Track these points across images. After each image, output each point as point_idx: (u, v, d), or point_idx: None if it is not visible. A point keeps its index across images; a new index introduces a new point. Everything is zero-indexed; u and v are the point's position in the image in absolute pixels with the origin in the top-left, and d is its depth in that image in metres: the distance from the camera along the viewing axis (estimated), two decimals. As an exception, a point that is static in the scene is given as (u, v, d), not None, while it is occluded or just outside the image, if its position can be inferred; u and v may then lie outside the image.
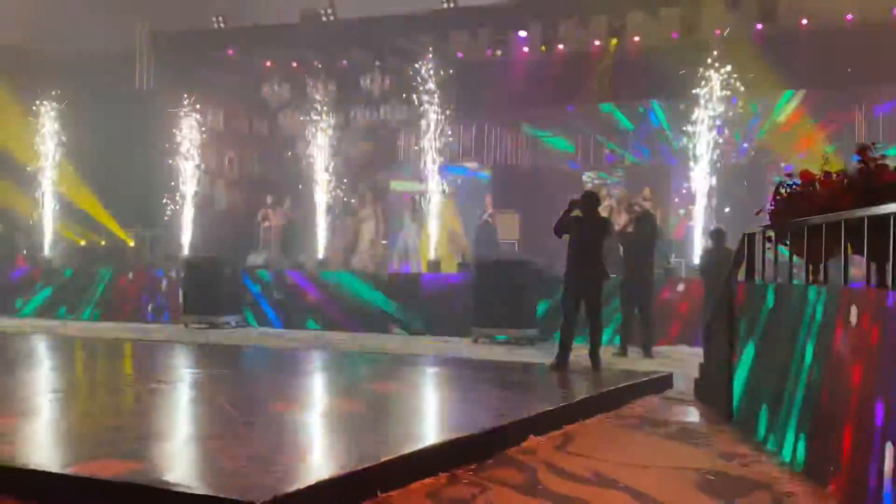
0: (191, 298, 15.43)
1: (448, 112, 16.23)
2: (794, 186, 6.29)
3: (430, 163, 16.18)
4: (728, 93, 15.17)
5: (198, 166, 18.67)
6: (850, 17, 15.87)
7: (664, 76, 16.06)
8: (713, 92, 15.10)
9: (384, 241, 18.74)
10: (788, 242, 6.41)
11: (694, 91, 15.20)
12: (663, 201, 16.93)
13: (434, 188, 16.20)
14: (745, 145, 18.33)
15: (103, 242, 19.74)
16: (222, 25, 19.62)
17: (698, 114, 15.18)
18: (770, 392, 6.14)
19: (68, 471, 4.72)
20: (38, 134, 18.80)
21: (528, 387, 8.68)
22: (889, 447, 4.21)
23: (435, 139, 16.17)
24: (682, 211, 15.30)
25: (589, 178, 20.70)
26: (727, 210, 15.38)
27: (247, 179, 21.97)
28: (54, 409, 7.09)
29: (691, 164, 15.32)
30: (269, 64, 20.47)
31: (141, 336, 13.68)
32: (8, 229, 19.47)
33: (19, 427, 6.07)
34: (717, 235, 12.51)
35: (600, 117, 20.67)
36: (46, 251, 18.86)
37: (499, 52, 18.72)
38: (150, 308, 16.80)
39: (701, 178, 15.19)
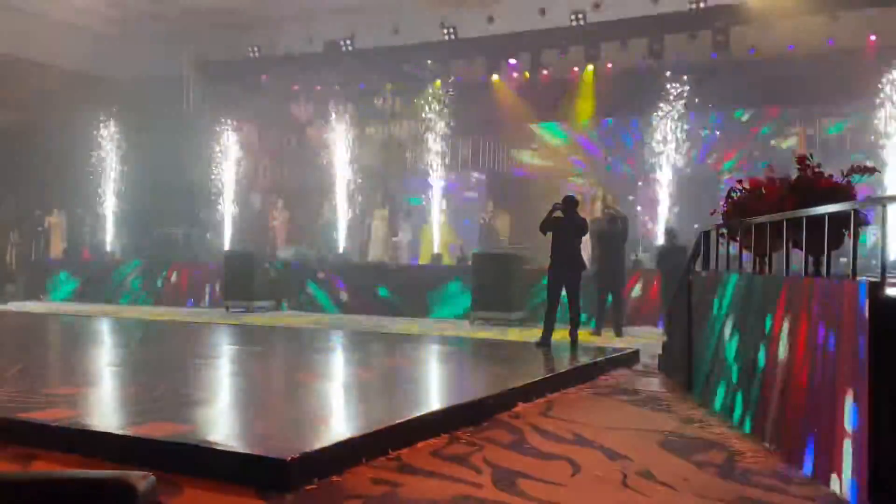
0: (230, 286, 15.43)
1: (448, 128, 16.21)
2: (743, 191, 6.27)
3: (433, 172, 16.18)
4: (686, 111, 15.18)
5: (236, 176, 18.69)
6: (791, 46, 15.80)
7: (633, 97, 16.02)
8: (674, 111, 15.12)
9: (394, 238, 18.73)
10: (739, 239, 6.40)
11: (658, 111, 15.20)
12: (630, 205, 16.87)
13: (436, 195, 16.20)
14: (701, 157, 18.24)
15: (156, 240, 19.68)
16: (257, 54, 19.63)
17: (661, 129, 15.17)
18: (722, 365, 6.13)
19: (126, 432, 4.73)
20: (101, 148, 18.77)
21: (516, 361, 8.66)
22: (821, 411, 4.20)
23: (437, 151, 16.16)
24: (658, 210, 15.31)
25: (573, 180, 20.61)
26: (682, 212, 15.33)
27: (278, 185, 21.96)
28: (113, 380, 7.09)
29: (655, 173, 15.33)
30: (296, 87, 20.46)
31: (188, 318, 13.67)
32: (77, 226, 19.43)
33: (83, 395, 6.07)
34: (670, 234, 12.57)
35: (578, 132, 20.62)
36: (108, 246, 18.85)
37: (492, 77, 18.69)
38: (195, 294, 16.78)
39: (662, 186, 15.21)
